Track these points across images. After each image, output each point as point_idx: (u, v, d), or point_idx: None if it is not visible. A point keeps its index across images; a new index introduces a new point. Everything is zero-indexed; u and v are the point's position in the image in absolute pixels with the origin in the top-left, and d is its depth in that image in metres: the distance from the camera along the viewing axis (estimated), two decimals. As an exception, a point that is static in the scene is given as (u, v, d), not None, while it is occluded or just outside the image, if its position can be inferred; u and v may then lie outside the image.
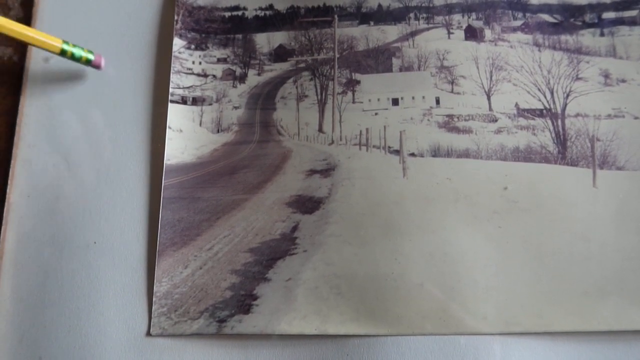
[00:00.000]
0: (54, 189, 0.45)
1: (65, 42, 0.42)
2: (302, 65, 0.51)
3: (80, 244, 0.43)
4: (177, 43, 0.50)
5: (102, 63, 0.46)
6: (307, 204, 0.45)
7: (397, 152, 0.47)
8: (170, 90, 0.48)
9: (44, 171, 0.46)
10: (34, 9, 0.50)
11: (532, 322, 0.40)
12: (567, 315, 0.40)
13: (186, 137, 0.48)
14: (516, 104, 0.48)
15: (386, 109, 0.49)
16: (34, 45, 0.42)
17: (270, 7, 0.53)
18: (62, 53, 0.43)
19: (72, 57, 0.44)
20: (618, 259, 0.42)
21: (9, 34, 0.39)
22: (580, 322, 0.40)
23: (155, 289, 0.42)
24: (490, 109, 0.48)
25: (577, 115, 0.47)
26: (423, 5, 0.52)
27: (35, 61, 0.49)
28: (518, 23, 0.51)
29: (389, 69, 0.50)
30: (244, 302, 0.41)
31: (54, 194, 0.45)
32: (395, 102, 0.49)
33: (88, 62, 0.45)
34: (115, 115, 0.47)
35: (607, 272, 0.41)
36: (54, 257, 0.43)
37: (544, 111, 0.47)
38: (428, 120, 0.48)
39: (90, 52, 0.44)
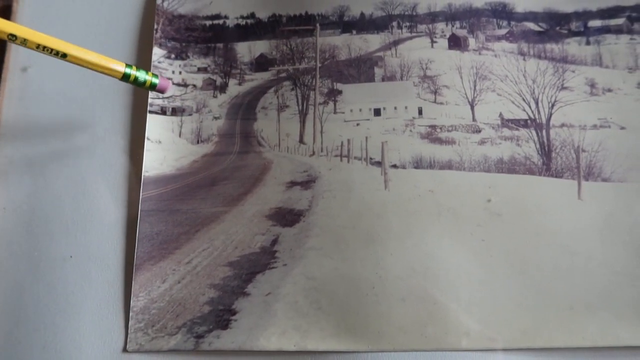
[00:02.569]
0: (30, 201, 0.44)
1: (128, 65, 0.39)
2: (284, 74, 0.51)
3: (57, 258, 0.43)
4: (157, 52, 0.49)
5: (169, 87, 0.42)
6: (287, 217, 0.45)
7: (379, 163, 0.46)
8: (149, 100, 0.47)
9: (20, 184, 0.45)
10: (12, 16, 0.49)
11: (516, 338, 0.39)
12: (552, 331, 0.39)
13: (165, 148, 0.47)
14: (500, 114, 0.47)
15: (368, 120, 0.48)
16: (94, 70, 0.38)
17: (252, 15, 0.52)
18: (125, 77, 0.39)
19: (135, 82, 0.40)
20: (604, 273, 0.41)
21: (70, 55, 0.36)
22: (566, 338, 0.39)
23: (132, 303, 0.41)
24: (474, 119, 0.47)
25: (562, 125, 0.47)
26: (406, 13, 0.51)
27: (12, 71, 0.48)
28: (503, 32, 0.51)
29: (371, 78, 0.50)
30: (222, 317, 0.40)
31: (30, 206, 0.44)
32: (377, 112, 0.49)
33: (152, 87, 0.41)
34: (93, 126, 0.47)
35: (593, 286, 0.40)
36: (29, 271, 0.42)
37: (529, 121, 0.47)
38: (410, 130, 0.47)
39: (155, 75, 0.41)
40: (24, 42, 0.34)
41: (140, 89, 0.46)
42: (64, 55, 0.35)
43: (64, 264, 0.43)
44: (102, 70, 0.38)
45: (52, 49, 0.35)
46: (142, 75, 0.40)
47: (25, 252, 0.43)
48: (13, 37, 0.33)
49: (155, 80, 0.40)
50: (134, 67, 0.39)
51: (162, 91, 0.42)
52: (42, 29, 0.48)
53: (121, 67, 0.38)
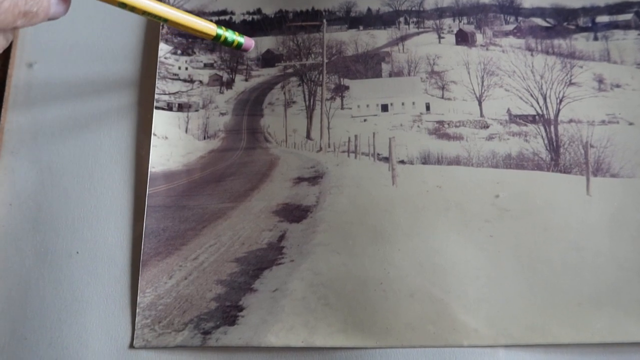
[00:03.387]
0: (37, 197, 0.44)
1: (219, 26, 0.41)
2: (290, 70, 0.50)
3: (63, 254, 0.43)
4: (163, 48, 0.49)
5: (252, 46, 0.44)
6: (294, 213, 0.44)
7: (387, 159, 0.46)
8: (156, 96, 0.47)
9: (27, 179, 0.45)
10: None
11: (524, 334, 0.39)
12: (560, 326, 0.39)
13: (172, 144, 0.47)
14: (508, 110, 0.47)
15: (375, 115, 0.48)
16: (189, 31, 0.40)
17: (258, 11, 0.52)
18: (216, 38, 0.41)
19: (225, 42, 0.42)
20: (612, 269, 0.41)
21: (163, 15, 0.37)
22: (574, 334, 0.39)
23: (138, 299, 0.41)
24: (482, 115, 0.47)
25: (570, 121, 0.46)
26: (413, 9, 0.51)
27: (18, 68, 0.48)
28: (510, 27, 0.50)
29: (378, 74, 0.50)
30: (229, 314, 0.40)
31: (36, 202, 0.44)
32: (384, 108, 0.48)
33: (239, 47, 0.43)
34: (98, 122, 0.47)
35: (601, 282, 0.40)
36: (35, 267, 0.42)
37: (537, 117, 0.47)
38: (418, 126, 0.47)
39: (242, 35, 0.42)
40: (132, 9, 0.36)
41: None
42: (164, 20, 0.38)
43: (70, 259, 0.42)
44: (196, 32, 0.40)
45: (155, 15, 0.37)
46: (230, 35, 0.41)
47: (32, 248, 0.43)
48: (123, 5, 0.36)
49: (242, 40, 0.42)
50: (224, 28, 0.41)
51: (246, 50, 0.43)
52: (48, 23, 0.49)
53: (214, 27, 0.40)
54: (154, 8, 0.37)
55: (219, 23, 0.51)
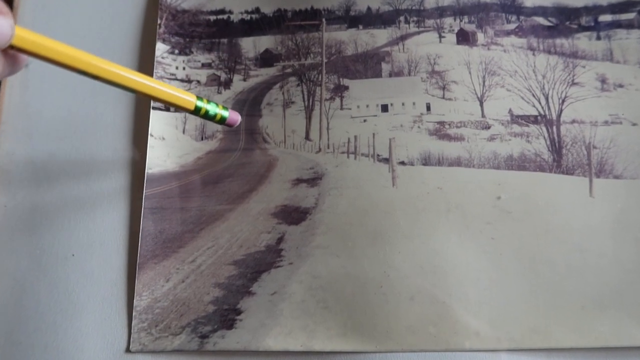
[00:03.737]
0: (32, 198, 0.44)
1: (199, 98, 0.36)
2: (289, 70, 0.50)
3: (59, 256, 0.42)
4: (160, 48, 0.48)
5: (238, 121, 0.39)
6: (293, 215, 0.44)
7: (387, 160, 0.45)
8: None
9: (21, 181, 0.44)
10: (12, 12, 0.48)
11: (527, 338, 0.38)
12: (563, 330, 0.38)
13: (169, 145, 0.46)
14: (510, 110, 0.47)
15: (375, 116, 0.48)
16: (164, 103, 0.34)
17: (257, 10, 0.51)
18: (196, 111, 0.36)
19: (206, 115, 0.36)
20: (616, 271, 0.40)
21: (135, 88, 0.32)
22: (577, 338, 0.38)
23: (135, 303, 0.40)
24: (483, 115, 0.47)
25: (573, 121, 0.46)
26: (413, 8, 0.51)
27: (13, 67, 0.47)
28: (512, 26, 0.50)
29: (378, 74, 0.49)
30: (227, 317, 0.40)
31: (31, 203, 0.44)
32: (384, 108, 0.48)
33: (222, 121, 0.38)
34: (95, 123, 0.46)
35: (605, 285, 0.40)
36: (31, 269, 0.42)
37: (539, 117, 0.46)
38: (418, 127, 0.47)
39: (225, 108, 0.38)
40: (96, 78, 0.31)
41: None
42: (133, 91, 0.33)
43: (66, 262, 0.42)
44: (173, 105, 0.35)
45: (122, 86, 0.32)
46: (212, 108, 0.37)
47: (27, 250, 0.42)
48: (84, 73, 0.31)
49: (225, 114, 0.37)
50: (205, 100, 0.36)
51: (231, 125, 0.38)
52: (44, 22, 0.48)
53: (193, 99, 0.35)
54: (121, 77, 0.31)
55: (217, 22, 0.50)
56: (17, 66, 0.30)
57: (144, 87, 0.32)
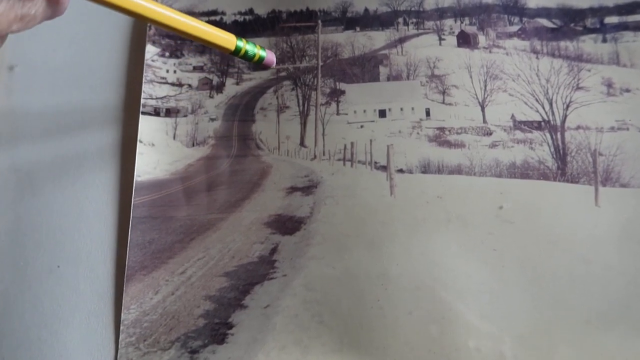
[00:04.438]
0: (16, 208, 0.43)
1: (239, 38, 0.36)
2: (284, 74, 0.49)
3: (43, 268, 0.41)
4: (150, 50, 0.47)
5: (274, 62, 0.39)
6: (287, 224, 0.43)
7: (384, 168, 0.45)
8: (142, 101, 0.46)
9: (5, 189, 0.43)
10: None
11: (530, 354, 0.37)
12: (567, 346, 0.37)
13: (159, 152, 0.45)
14: (512, 116, 0.46)
15: (372, 121, 0.47)
16: (205, 43, 0.35)
17: (250, 11, 0.50)
18: (236, 52, 0.36)
19: (245, 55, 0.37)
20: (623, 284, 0.39)
21: (178, 27, 0.32)
22: (582, 354, 0.37)
23: (122, 316, 0.39)
24: (485, 121, 0.46)
25: (577, 127, 0.45)
26: (412, 9, 0.50)
27: (-3, 70, 0.46)
28: (514, 28, 0.49)
29: (375, 78, 0.48)
30: (218, 332, 0.39)
31: (15, 213, 0.42)
32: (382, 113, 0.47)
33: (260, 61, 0.38)
34: (82, 128, 0.45)
35: (611, 298, 0.39)
36: (14, 282, 0.41)
37: (542, 123, 0.45)
38: (418, 133, 0.46)
39: (263, 48, 0.38)
40: (152, 22, 0.31)
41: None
42: (180, 32, 0.33)
43: (50, 274, 0.41)
44: (213, 45, 0.35)
45: (169, 26, 0.32)
46: (252, 48, 0.36)
47: (10, 262, 0.41)
48: (140, 17, 0.31)
49: (263, 54, 0.37)
50: (244, 40, 0.36)
51: (268, 66, 0.39)
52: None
53: (233, 39, 0.35)
54: (163, 16, 0.31)
55: (210, 24, 0.49)
56: (59, 9, 0.30)
57: (185, 27, 0.32)
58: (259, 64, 0.38)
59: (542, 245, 0.40)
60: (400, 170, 0.44)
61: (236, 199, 0.44)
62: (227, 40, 0.34)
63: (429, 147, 0.45)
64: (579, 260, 0.40)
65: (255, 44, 0.37)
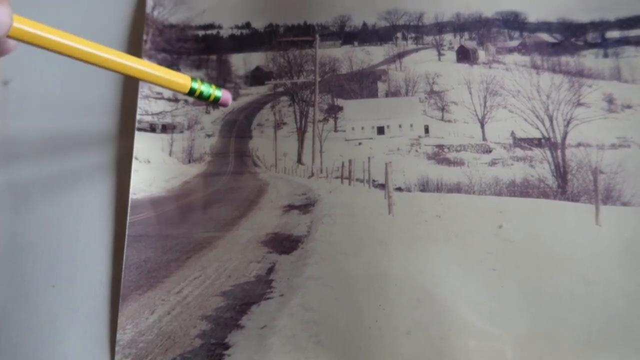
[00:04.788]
0: (12, 225, 0.42)
1: (194, 79, 0.36)
2: (281, 89, 0.49)
3: (39, 287, 0.41)
4: (146, 65, 0.47)
5: (230, 101, 0.39)
6: (284, 243, 0.43)
7: (383, 186, 0.44)
8: (138, 117, 0.45)
9: (1, 206, 0.43)
10: None
11: (530, 376, 0.37)
12: (568, 367, 0.37)
13: (154, 169, 0.45)
14: (512, 133, 0.45)
15: (371, 139, 0.46)
16: (159, 85, 0.35)
17: (247, 25, 0.50)
18: (191, 92, 0.36)
19: (201, 96, 0.37)
20: (624, 303, 0.39)
21: (133, 74, 0.33)
22: (583, 376, 0.37)
23: (118, 336, 0.39)
24: (484, 138, 0.46)
25: (578, 145, 0.44)
26: (411, 24, 0.49)
27: (-8, 85, 0.46)
28: (514, 43, 0.48)
29: (374, 94, 0.48)
30: (214, 352, 0.38)
31: (11, 231, 0.42)
32: (380, 130, 0.47)
33: (216, 101, 0.38)
34: (77, 145, 0.45)
35: (612, 318, 0.39)
36: (9, 301, 0.40)
37: (543, 140, 0.45)
38: (416, 150, 0.46)
39: (218, 88, 0.38)
40: (90, 62, 0.32)
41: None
42: (129, 76, 0.33)
43: (46, 293, 0.41)
44: (168, 85, 0.35)
45: (112, 69, 0.32)
46: (207, 89, 0.37)
47: (6, 280, 0.41)
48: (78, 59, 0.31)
49: (219, 94, 0.38)
50: (199, 81, 0.37)
51: (224, 105, 0.39)
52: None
53: (188, 82, 0.36)
54: (115, 63, 0.32)
55: (206, 38, 0.49)
56: (5, 51, 0.31)
57: (139, 72, 0.33)
58: (214, 104, 0.38)
59: (542, 264, 0.40)
60: (399, 189, 0.44)
61: (233, 217, 0.44)
62: (181, 82, 0.35)
63: (428, 164, 0.45)
64: (580, 280, 0.40)
65: (211, 84, 0.37)
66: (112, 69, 0.32)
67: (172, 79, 0.35)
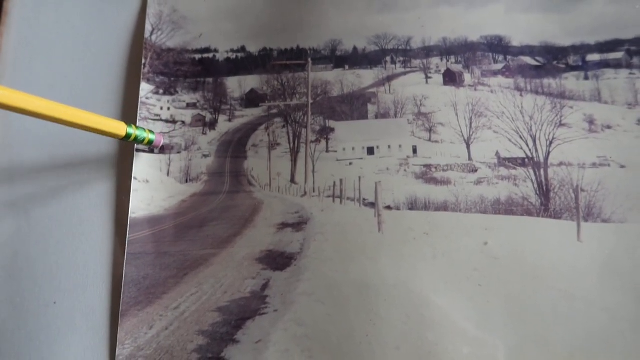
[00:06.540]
0: (13, 243, 0.43)
1: (129, 125, 0.40)
2: (275, 111, 0.49)
3: (40, 304, 0.41)
4: (145, 88, 0.48)
5: (162, 142, 0.45)
6: (278, 260, 0.43)
7: (373, 204, 0.45)
8: None
9: (2, 225, 0.44)
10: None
11: (514, 389, 0.37)
12: (551, 381, 0.38)
13: (153, 188, 0.46)
14: (497, 153, 0.46)
15: (361, 159, 0.47)
16: (96, 132, 0.37)
17: (243, 49, 0.51)
18: (126, 137, 0.40)
19: (136, 140, 0.41)
20: (605, 319, 0.40)
21: (68, 119, 0.34)
22: (565, 389, 0.37)
23: (117, 352, 0.40)
24: (470, 158, 0.46)
25: (560, 164, 0.45)
26: (400, 48, 0.50)
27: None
28: (499, 66, 0.49)
29: (364, 115, 0.49)
30: None
31: (12, 249, 0.43)
32: (370, 151, 0.47)
33: (150, 143, 0.43)
34: (78, 166, 0.45)
35: (594, 333, 0.39)
36: (10, 317, 0.41)
37: (526, 160, 0.46)
38: (405, 170, 0.46)
39: (152, 132, 0.43)
40: (20, 111, 0.31)
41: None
42: (64, 123, 0.34)
43: (47, 310, 0.41)
44: (104, 130, 0.37)
45: (49, 118, 0.33)
46: (141, 133, 0.42)
47: (7, 298, 0.41)
48: (9, 108, 0.31)
49: (152, 137, 0.43)
50: (134, 126, 0.41)
51: (156, 146, 0.44)
52: (27, 61, 0.48)
53: (123, 127, 0.39)
54: (51, 112, 0.32)
55: (202, 61, 0.50)
56: None
57: (75, 119, 0.35)
58: (149, 145, 0.44)
59: (526, 280, 0.41)
60: (388, 207, 0.45)
61: (228, 235, 0.44)
62: (117, 128, 0.39)
63: (416, 184, 0.46)
64: (562, 295, 0.40)
65: (145, 129, 0.42)
66: (47, 115, 0.32)
67: (108, 125, 0.37)
